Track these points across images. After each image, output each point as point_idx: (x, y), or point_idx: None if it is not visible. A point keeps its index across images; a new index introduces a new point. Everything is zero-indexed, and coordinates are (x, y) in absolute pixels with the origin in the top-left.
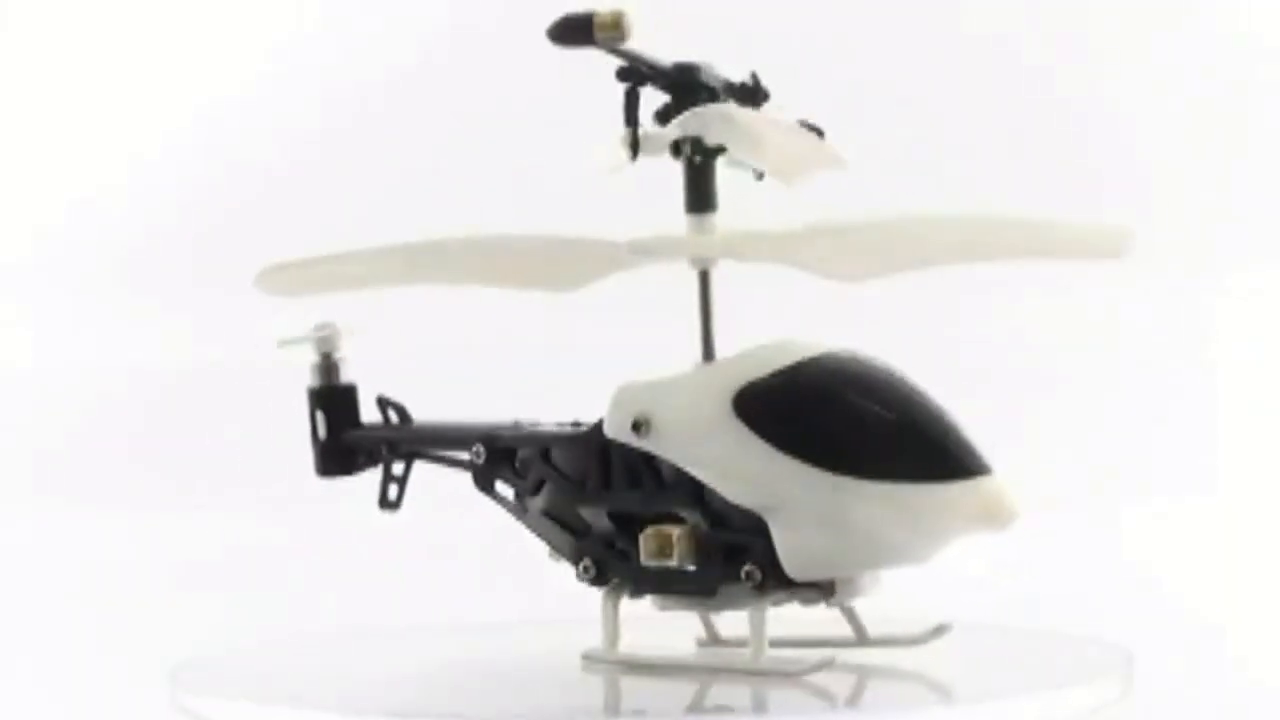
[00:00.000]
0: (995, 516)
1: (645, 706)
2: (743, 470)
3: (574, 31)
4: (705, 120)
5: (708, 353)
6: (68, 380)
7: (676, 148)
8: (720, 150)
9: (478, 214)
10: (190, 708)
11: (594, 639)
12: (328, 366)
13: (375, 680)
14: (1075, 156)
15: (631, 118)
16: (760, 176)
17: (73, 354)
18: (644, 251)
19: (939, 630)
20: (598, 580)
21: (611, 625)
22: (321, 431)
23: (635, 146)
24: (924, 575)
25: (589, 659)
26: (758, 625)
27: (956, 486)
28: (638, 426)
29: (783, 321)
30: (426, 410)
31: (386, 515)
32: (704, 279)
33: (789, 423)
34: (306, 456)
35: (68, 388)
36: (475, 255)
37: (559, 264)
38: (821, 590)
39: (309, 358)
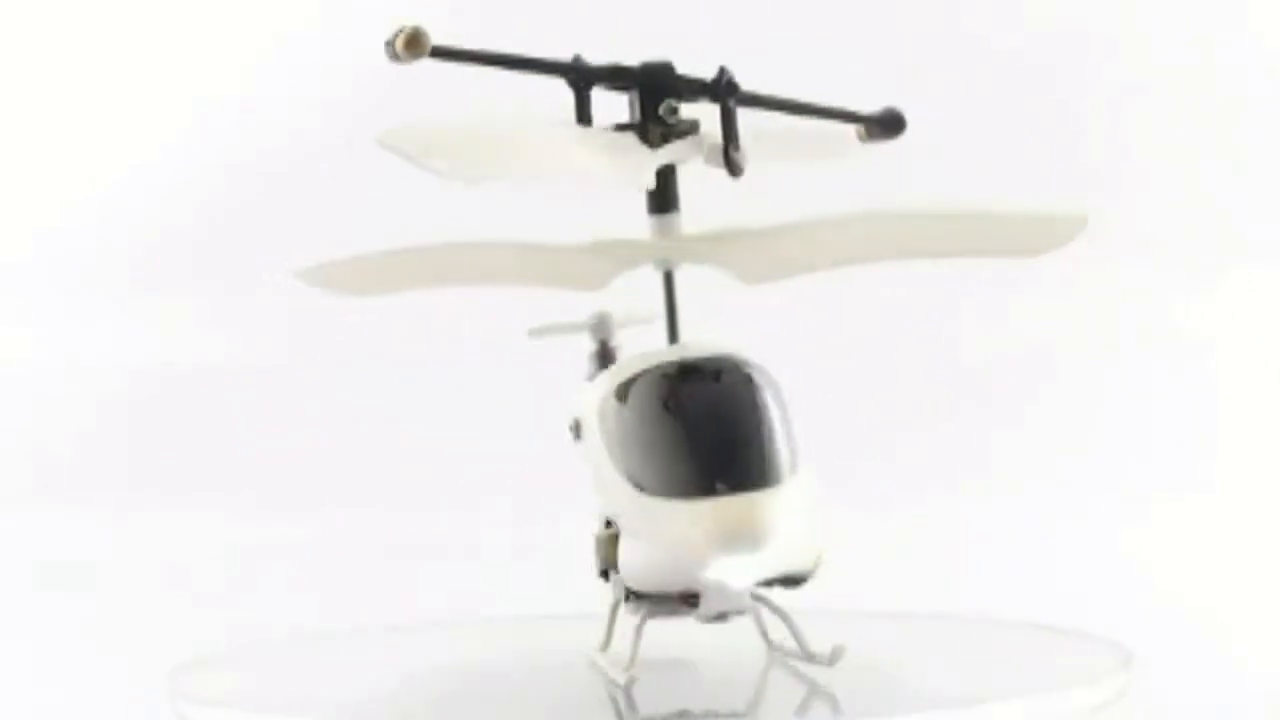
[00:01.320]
0: (730, 538)
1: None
2: (597, 475)
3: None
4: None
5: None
6: (67, 380)
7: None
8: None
9: (478, 215)
10: (188, 713)
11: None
12: (604, 354)
13: (374, 683)
14: (1075, 157)
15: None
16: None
17: (73, 354)
18: (613, 264)
19: (836, 653)
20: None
21: (607, 628)
22: None
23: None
24: (923, 573)
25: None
26: (633, 636)
27: (701, 504)
28: (575, 430)
29: (785, 320)
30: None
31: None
32: (668, 279)
33: (616, 429)
34: (307, 457)
35: (67, 388)
36: (511, 256)
37: (583, 263)
38: (685, 601)
39: (587, 346)
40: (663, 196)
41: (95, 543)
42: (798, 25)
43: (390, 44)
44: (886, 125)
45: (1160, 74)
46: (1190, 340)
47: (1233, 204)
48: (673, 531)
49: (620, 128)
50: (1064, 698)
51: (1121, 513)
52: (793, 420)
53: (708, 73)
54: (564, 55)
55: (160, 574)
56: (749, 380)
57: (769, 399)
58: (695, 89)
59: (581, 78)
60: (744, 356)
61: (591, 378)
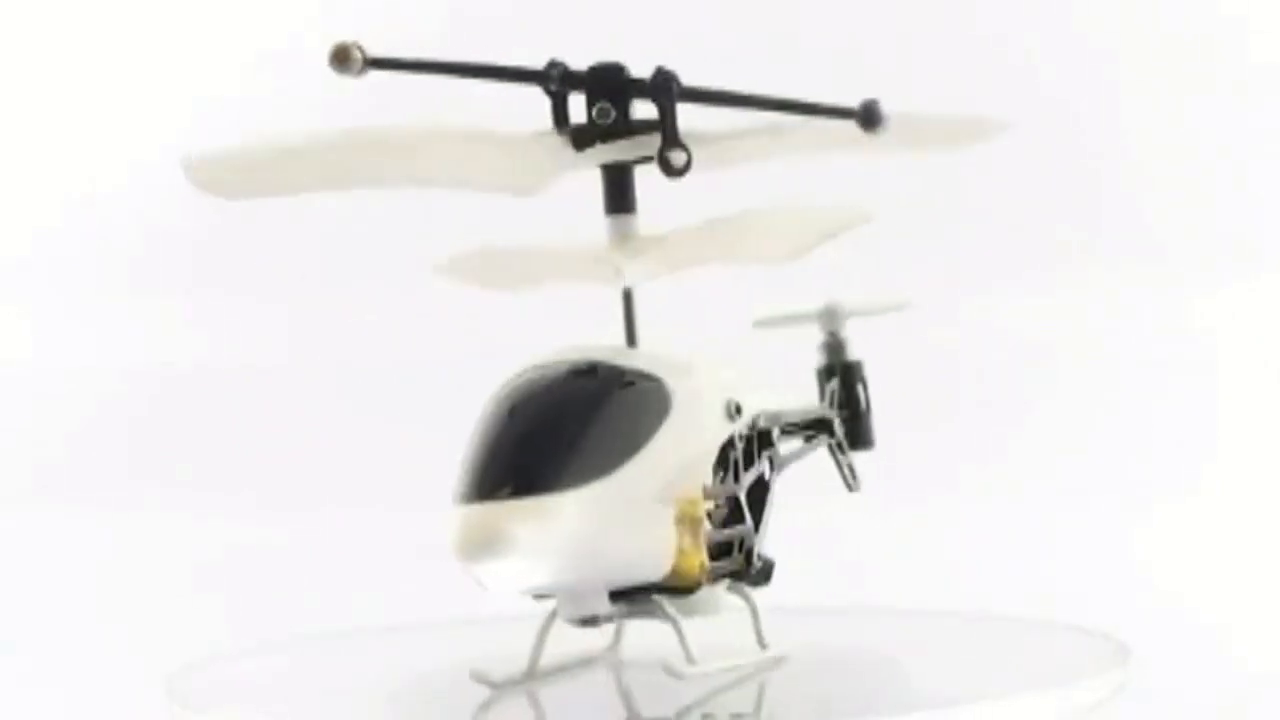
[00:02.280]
0: (465, 547)
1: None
2: None
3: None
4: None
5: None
6: (67, 380)
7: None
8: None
9: (479, 214)
10: (186, 716)
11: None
12: (835, 345)
13: (374, 684)
14: (1074, 157)
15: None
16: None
17: (73, 354)
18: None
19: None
20: None
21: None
22: (864, 402)
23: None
24: (923, 573)
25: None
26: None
27: (455, 512)
28: None
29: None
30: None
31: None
32: (628, 293)
33: None
34: (307, 457)
35: (67, 388)
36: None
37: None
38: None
39: (816, 337)
40: (617, 198)
41: (94, 544)
42: (798, 25)
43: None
44: (864, 120)
45: (1160, 74)
46: (1190, 340)
47: (1233, 204)
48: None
49: (557, 129)
50: (1062, 693)
51: (1121, 513)
52: (622, 433)
53: (710, 76)
54: (565, 57)
55: (160, 574)
56: (574, 389)
57: (584, 409)
58: (639, 90)
59: (537, 81)
60: (616, 363)
61: (820, 370)
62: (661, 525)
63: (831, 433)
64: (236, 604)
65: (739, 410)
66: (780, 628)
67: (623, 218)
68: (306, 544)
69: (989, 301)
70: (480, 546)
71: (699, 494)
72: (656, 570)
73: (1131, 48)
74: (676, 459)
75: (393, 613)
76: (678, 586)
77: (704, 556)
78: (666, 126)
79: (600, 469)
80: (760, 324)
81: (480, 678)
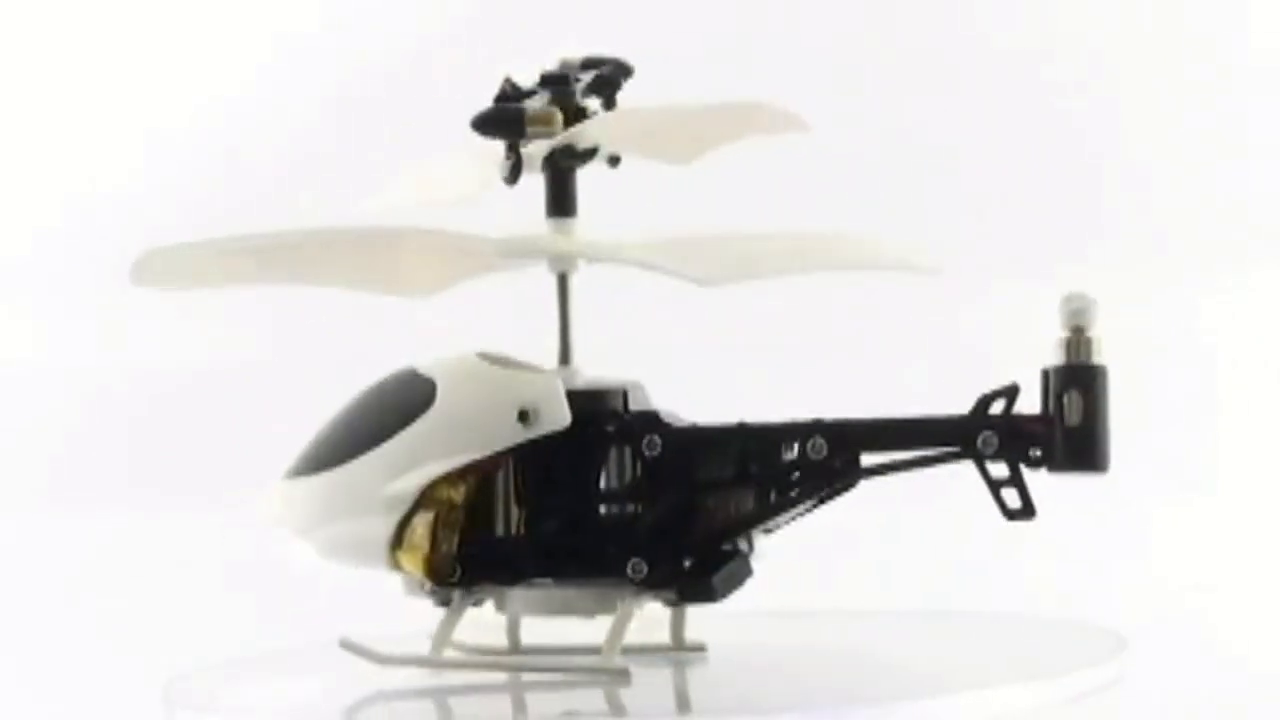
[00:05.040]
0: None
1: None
2: None
3: (503, 125)
4: (605, 128)
5: (564, 356)
6: (67, 380)
7: (551, 158)
8: (594, 153)
9: (479, 213)
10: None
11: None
12: (1079, 343)
13: (373, 686)
14: (1073, 156)
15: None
16: (615, 163)
17: (73, 354)
18: (514, 253)
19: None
20: None
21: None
22: (1074, 418)
23: (518, 170)
24: (923, 573)
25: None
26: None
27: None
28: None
29: (786, 321)
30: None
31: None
32: (563, 281)
33: None
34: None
35: (67, 388)
36: (330, 253)
37: (422, 265)
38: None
39: (1058, 332)
40: (559, 201)
41: (93, 544)
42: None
43: None
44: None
45: (1161, 73)
46: (1191, 340)
47: (1234, 204)
48: None
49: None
50: (1056, 682)
51: (1122, 512)
52: (364, 430)
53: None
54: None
55: (160, 574)
56: (367, 390)
57: (351, 407)
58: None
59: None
60: (420, 369)
61: (1062, 366)
62: (385, 517)
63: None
64: (236, 604)
65: (525, 416)
66: (762, 627)
67: (564, 220)
68: (306, 544)
69: (989, 301)
70: (261, 513)
71: (458, 492)
72: (378, 558)
73: (1131, 48)
74: (424, 456)
75: (393, 613)
76: (434, 579)
77: (454, 552)
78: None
79: (331, 460)
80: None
81: (350, 647)
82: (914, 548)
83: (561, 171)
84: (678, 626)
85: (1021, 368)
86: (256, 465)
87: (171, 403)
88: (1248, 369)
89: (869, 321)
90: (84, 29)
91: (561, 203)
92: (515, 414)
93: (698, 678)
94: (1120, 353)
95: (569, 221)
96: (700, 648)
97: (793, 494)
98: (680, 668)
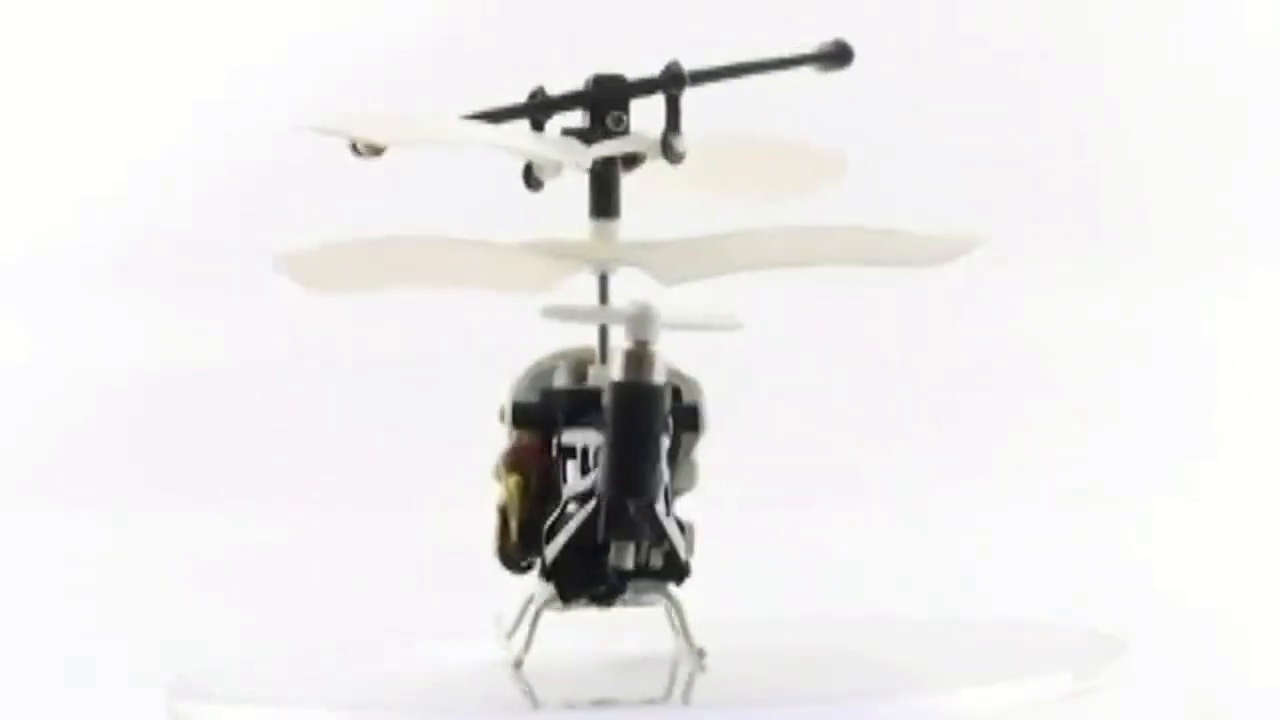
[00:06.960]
0: None
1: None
2: None
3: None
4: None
5: (603, 355)
6: (67, 380)
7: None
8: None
9: (479, 214)
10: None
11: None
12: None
13: (374, 686)
14: (1073, 156)
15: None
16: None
17: (72, 354)
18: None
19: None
20: None
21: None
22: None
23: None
24: (923, 573)
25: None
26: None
27: None
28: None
29: (787, 322)
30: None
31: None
32: (603, 282)
33: None
34: (308, 457)
35: (66, 388)
36: (457, 254)
37: (533, 265)
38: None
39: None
40: (602, 202)
41: (93, 544)
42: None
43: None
44: (835, 57)
45: (1161, 73)
46: (1190, 340)
47: (1234, 204)
48: None
49: (565, 132)
50: (1054, 683)
51: (1121, 512)
52: None
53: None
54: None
55: (160, 574)
56: None
57: None
58: (646, 89)
59: (540, 112)
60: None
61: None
62: None
63: None
64: (236, 604)
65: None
66: (762, 628)
67: (607, 222)
68: (306, 544)
69: (989, 300)
70: None
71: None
72: None
73: (1130, 47)
74: None
75: (391, 614)
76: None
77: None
78: (673, 115)
79: None
80: (549, 313)
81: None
82: (914, 548)
83: (606, 174)
84: (680, 627)
85: (1021, 368)
86: (257, 465)
87: (171, 403)
88: (1248, 369)
89: (869, 321)
90: (84, 29)
91: (602, 204)
92: (500, 415)
93: (698, 678)
94: (1120, 353)
95: (610, 223)
96: (701, 652)
97: None
98: (680, 668)
